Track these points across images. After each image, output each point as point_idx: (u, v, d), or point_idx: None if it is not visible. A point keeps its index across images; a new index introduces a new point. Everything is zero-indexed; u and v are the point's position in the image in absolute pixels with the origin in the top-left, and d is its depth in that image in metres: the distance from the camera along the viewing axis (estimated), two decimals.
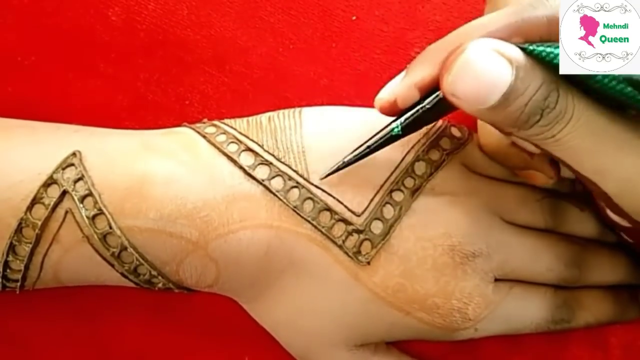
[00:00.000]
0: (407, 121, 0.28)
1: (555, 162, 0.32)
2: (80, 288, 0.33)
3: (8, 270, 0.31)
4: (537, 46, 0.25)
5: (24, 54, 0.36)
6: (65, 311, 0.36)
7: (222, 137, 0.32)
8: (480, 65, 0.24)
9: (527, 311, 0.33)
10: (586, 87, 0.25)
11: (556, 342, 0.36)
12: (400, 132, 0.29)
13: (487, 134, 0.33)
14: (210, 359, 0.36)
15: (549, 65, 0.25)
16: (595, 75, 0.24)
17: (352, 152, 0.30)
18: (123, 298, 0.35)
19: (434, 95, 0.27)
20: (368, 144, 0.30)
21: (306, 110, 0.33)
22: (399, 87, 0.28)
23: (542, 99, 0.25)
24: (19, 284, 0.31)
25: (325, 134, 0.32)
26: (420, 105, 0.28)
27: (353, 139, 0.31)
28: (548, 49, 0.24)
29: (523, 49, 0.25)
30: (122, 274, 0.31)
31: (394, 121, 0.29)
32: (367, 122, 0.32)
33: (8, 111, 0.35)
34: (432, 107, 0.28)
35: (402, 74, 0.29)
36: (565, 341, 0.36)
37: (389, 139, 0.29)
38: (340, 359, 0.33)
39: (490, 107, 0.25)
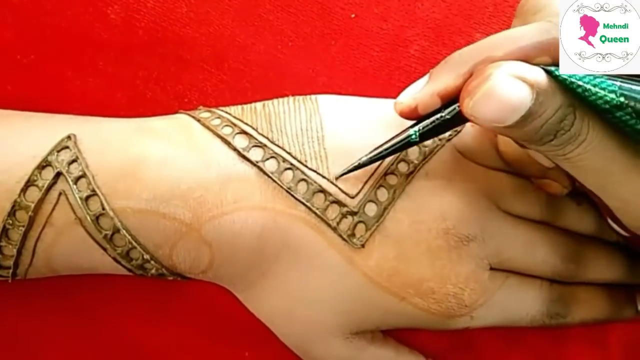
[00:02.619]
0: (425, 129, 0.29)
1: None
2: (79, 283, 0.33)
3: (0, 256, 0.30)
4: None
5: (23, 52, 0.36)
6: (64, 307, 0.35)
7: (217, 121, 0.32)
8: (503, 92, 0.25)
9: (523, 302, 0.33)
10: (603, 117, 0.25)
11: (556, 340, 0.36)
12: (417, 139, 0.29)
13: (507, 142, 0.33)
14: (211, 355, 0.36)
15: (569, 89, 0.25)
16: (614, 112, 0.25)
17: (367, 154, 0.30)
18: (122, 294, 0.35)
19: (452, 107, 0.28)
20: (385, 147, 0.30)
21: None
22: (420, 94, 0.28)
23: (558, 121, 0.25)
24: (11, 271, 0.31)
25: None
26: (439, 115, 0.28)
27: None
28: (571, 77, 0.25)
29: (547, 71, 0.25)
30: (115, 259, 0.31)
31: (411, 127, 0.29)
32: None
33: (7, 109, 0.35)
34: (451, 118, 0.28)
35: (425, 78, 0.29)
36: (564, 339, 0.36)
37: (405, 144, 0.29)
38: (336, 348, 0.33)
39: (507, 126, 0.25)
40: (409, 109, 0.29)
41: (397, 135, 0.30)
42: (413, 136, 0.29)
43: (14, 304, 0.35)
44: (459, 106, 0.27)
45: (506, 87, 0.24)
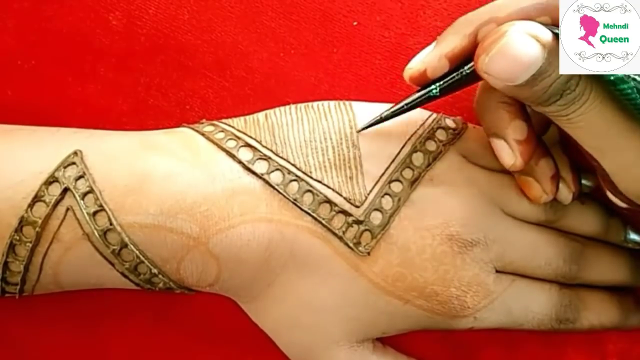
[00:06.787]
0: (445, 84, 0.30)
1: (555, 179, 0.32)
2: (81, 293, 0.33)
3: (7, 272, 0.30)
4: None
5: (24, 58, 0.36)
6: (65, 316, 0.36)
7: (221, 135, 0.32)
8: (518, 49, 0.26)
9: (530, 305, 0.33)
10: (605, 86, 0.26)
11: (553, 348, 0.37)
12: (437, 94, 0.30)
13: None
14: None
15: None
16: (618, 84, 0.25)
17: (389, 109, 0.31)
18: (123, 303, 0.35)
19: (471, 63, 0.29)
20: (406, 101, 0.31)
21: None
22: (429, 57, 0.30)
23: (565, 81, 0.26)
24: (18, 287, 0.31)
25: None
26: (460, 71, 0.29)
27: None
28: None
29: (552, 32, 0.26)
30: (123, 274, 0.31)
31: (432, 82, 0.30)
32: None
33: (8, 115, 0.35)
34: (469, 73, 0.29)
35: (432, 44, 0.30)
36: (563, 346, 0.37)
37: (426, 99, 0.31)
38: (341, 357, 0.33)
39: (518, 85, 0.26)
40: (419, 73, 0.30)
41: (418, 91, 0.31)
42: (434, 90, 0.30)
43: (15, 311, 0.35)
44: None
45: (520, 44, 0.26)
